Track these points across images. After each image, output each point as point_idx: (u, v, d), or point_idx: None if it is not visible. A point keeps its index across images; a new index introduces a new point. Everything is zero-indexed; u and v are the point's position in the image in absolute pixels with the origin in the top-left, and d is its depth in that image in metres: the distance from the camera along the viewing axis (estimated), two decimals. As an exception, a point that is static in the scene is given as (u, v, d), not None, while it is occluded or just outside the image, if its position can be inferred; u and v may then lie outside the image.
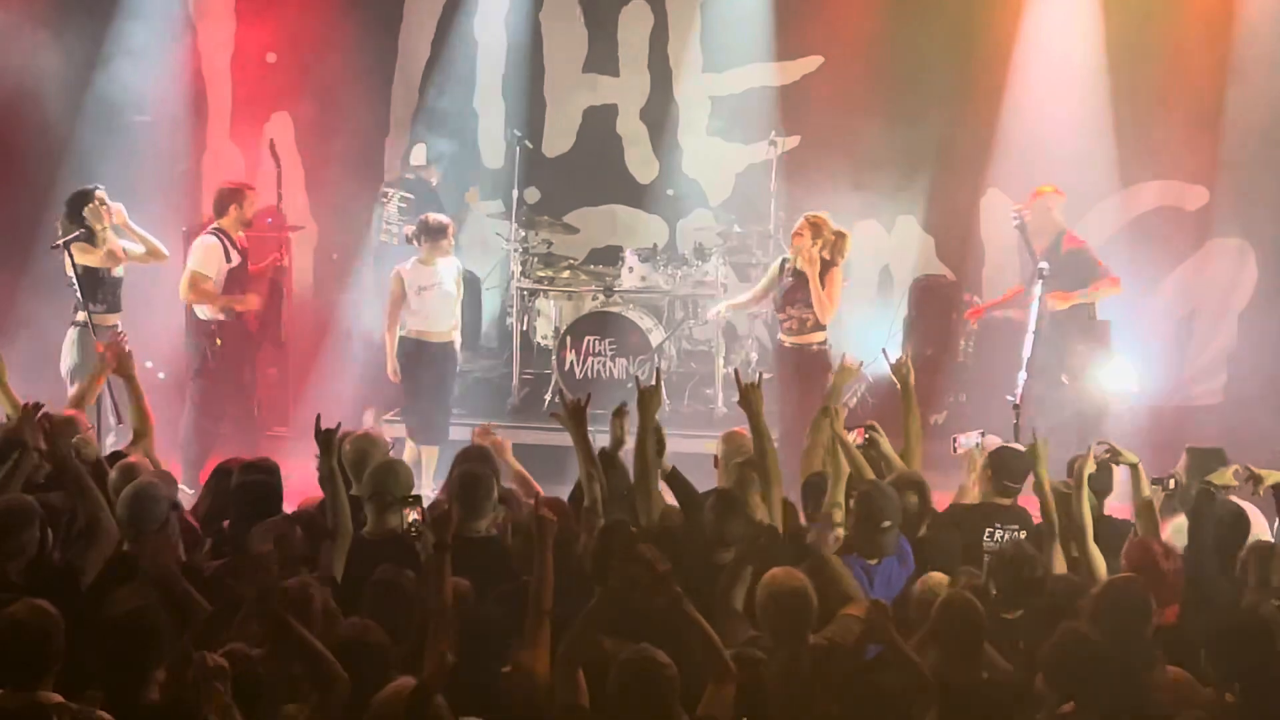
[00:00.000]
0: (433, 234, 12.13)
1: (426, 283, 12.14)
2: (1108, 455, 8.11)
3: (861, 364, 10.22)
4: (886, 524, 7.45)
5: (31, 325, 13.02)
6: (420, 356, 12.21)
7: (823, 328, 11.74)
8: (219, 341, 12.03)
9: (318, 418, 7.74)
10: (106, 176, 14.24)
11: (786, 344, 11.84)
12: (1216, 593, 7.23)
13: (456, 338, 12.47)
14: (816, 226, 11.65)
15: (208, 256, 12.10)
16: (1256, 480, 8.16)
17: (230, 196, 12.26)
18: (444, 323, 12.28)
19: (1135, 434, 11.44)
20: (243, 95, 15.32)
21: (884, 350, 9.54)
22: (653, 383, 8.06)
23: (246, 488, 7.73)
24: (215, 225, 12.26)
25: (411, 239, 12.32)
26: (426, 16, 15.24)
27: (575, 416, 7.88)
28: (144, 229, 12.93)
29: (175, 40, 14.91)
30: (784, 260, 11.98)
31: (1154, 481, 8.35)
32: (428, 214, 12.47)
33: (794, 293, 11.75)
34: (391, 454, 8.50)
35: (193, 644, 6.05)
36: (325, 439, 7.61)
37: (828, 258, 11.69)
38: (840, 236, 11.74)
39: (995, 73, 14.05)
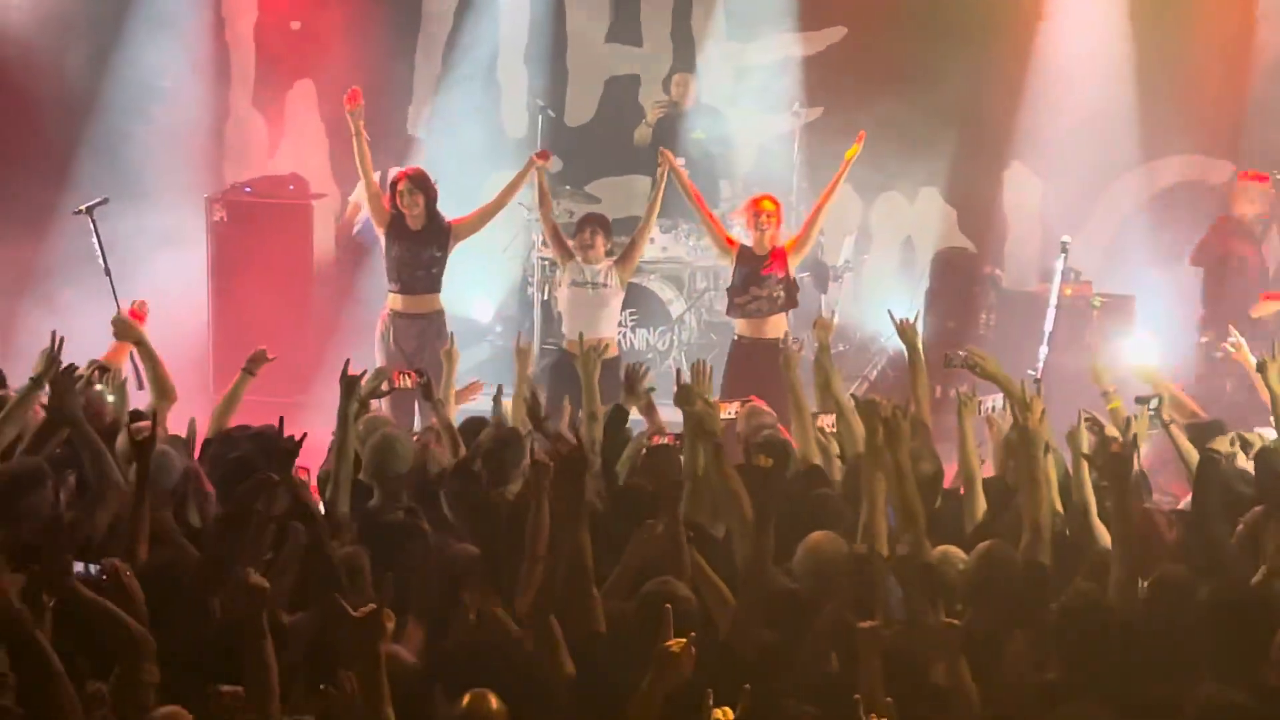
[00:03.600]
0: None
1: (579, 279, 11.35)
2: (1088, 424, 8.06)
3: (834, 316, 10.23)
4: None
5: (52, 289, 13.09)
6: (563, 371, 11.01)
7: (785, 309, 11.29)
8: None
9: (346, 362, 7.85)
10: (130, 142, 14.36)
11: (747, 339, 11.24)
12: (1224, 561, 7.15)
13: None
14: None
15: None
16: (1246, 445, 8.16)
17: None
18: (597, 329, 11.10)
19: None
20: (266, 62, 15.34)
21: (889, 311, 9.47)
22: (687, 380, 8.00)
23: (242, 461, 7.67)
24: None
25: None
26: (450, -16, 15.26)
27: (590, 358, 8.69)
28: (167, 195, 12.95)
29: (199, 6, 14.94)
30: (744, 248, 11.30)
31: (1138, 400, 8.44)
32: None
33: (756, 273, 11.19)
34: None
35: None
36: (348, 383, 7.74)
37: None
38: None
39: (1019, 45, 14.01)
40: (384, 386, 8.89)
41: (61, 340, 7.94)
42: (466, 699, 5.44)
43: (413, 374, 9.01)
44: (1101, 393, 8.70)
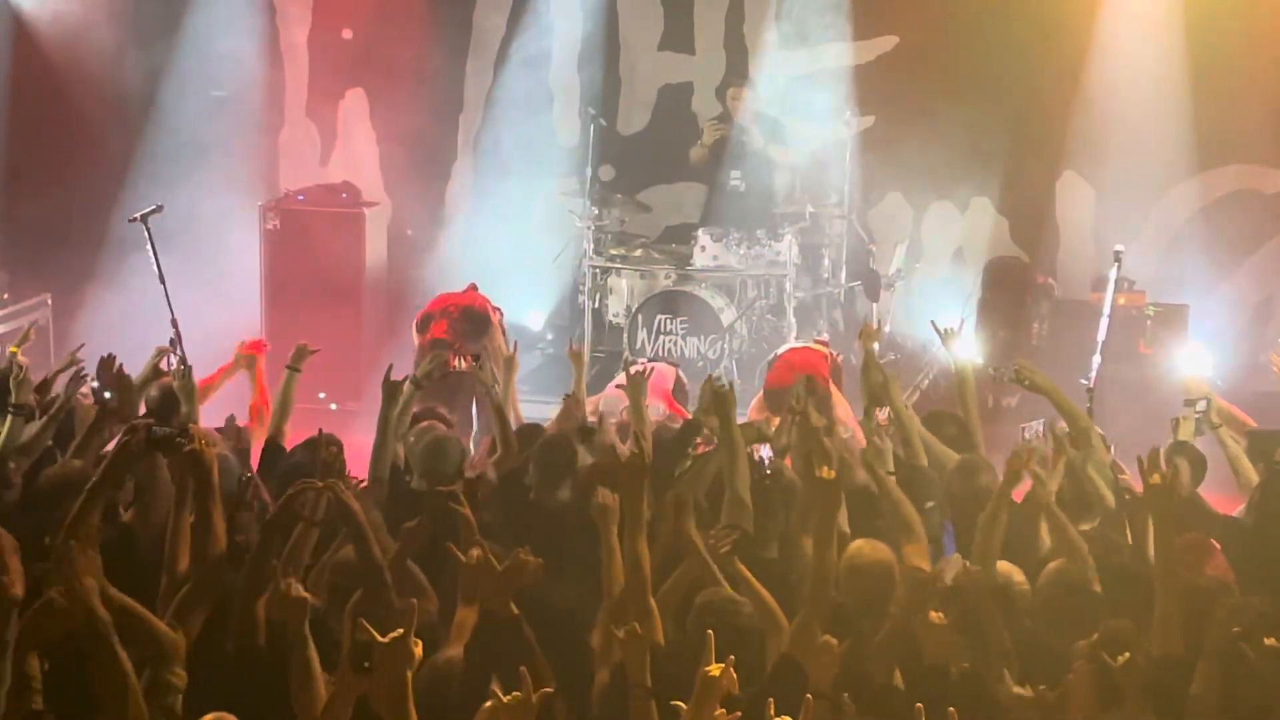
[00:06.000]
0: None
1: None
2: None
3: (880, 325, 10.08)
4: (930, 504, 7.38)
5: (109, 296, 13.18)
6: None
7: None
8: None
9: (389, 367, 7.87)
10: (184, 150, 14.45)
11: None
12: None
13: None
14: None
15: None
16: None
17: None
18: None
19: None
20: (319, 71, 15.41)
21: (933, 322, 9.44)
22: (725, 384, 8.00)
23: (297, 468, 7.69)
24: None
25: None
26: (502, -7, 15.29)
27: (635, 384, 8.39)
28: (221, 203, 13.00)
29: (253, 16, 15.02)
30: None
31: (1186, 403, 8.42)
32: None
33: None
34: None
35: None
36: (390, 388, 7.79)
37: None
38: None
39: (1072, 53, 13.94)
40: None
41: (80, 365, 8.05)
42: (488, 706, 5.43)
43: (467, 356, 9.03)
44: (1186, 401, 8.57)
